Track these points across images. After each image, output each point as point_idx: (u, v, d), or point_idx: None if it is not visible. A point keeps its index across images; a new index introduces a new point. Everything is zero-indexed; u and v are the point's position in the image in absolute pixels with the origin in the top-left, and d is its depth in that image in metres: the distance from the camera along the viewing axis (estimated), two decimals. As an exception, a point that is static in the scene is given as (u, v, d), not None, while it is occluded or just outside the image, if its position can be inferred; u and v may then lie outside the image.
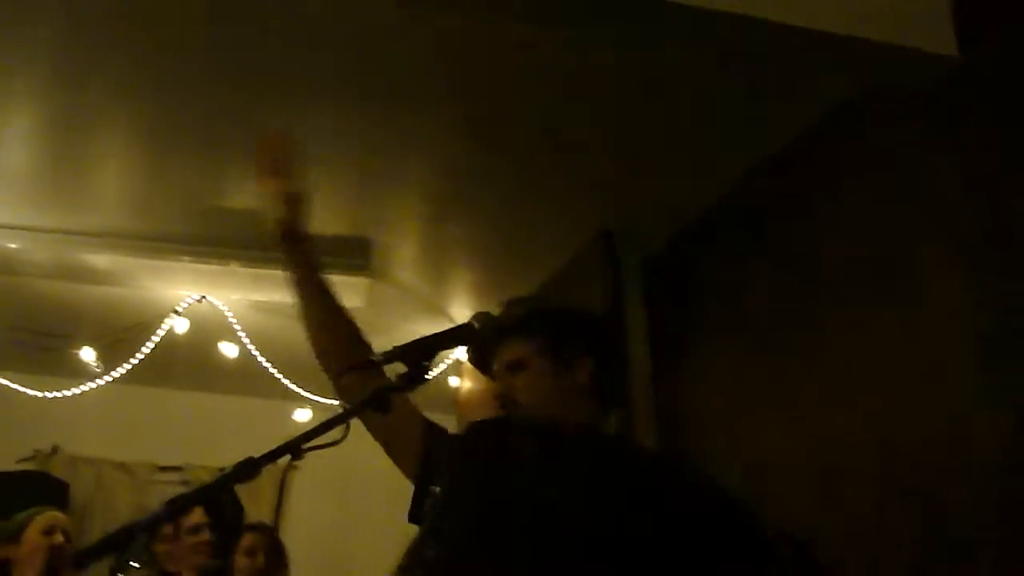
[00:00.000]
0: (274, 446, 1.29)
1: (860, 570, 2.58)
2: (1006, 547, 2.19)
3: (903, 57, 2.52)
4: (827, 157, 3.02)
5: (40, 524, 2.97)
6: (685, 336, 3.66)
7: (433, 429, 1.80)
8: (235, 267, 4.02)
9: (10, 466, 4.88)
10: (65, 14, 2.64)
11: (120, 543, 1.15)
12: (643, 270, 3.88)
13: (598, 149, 3.30)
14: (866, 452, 2.66)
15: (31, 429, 4.99)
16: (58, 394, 4.60)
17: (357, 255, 3.95)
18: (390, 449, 1.81)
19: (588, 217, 3.73)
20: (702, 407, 3.51)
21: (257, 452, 1.27)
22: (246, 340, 4.49)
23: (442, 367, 4.61)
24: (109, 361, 4.53)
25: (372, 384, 1.53)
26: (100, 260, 4.03)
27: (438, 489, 1.59)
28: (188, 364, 4.80)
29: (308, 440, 1.31)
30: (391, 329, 4.26)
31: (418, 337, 1.54)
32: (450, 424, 1.90)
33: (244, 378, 4.79)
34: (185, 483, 5.23)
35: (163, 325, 4.41)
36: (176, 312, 4.39)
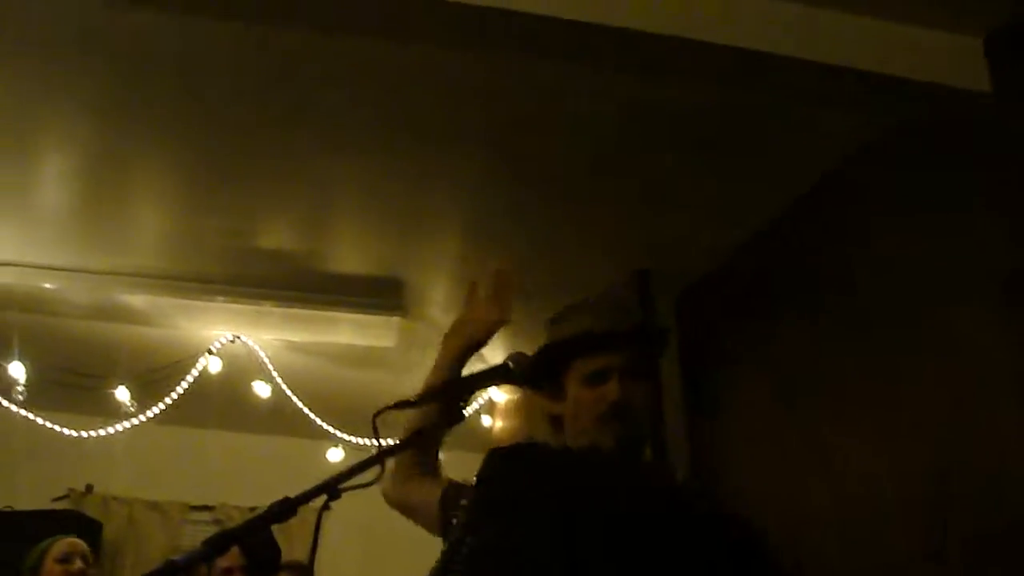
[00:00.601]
0: (307, 486, 1.29)
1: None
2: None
3: (936, 93, 2.51)
4: (858, 195, 2.99)
5: (55, 552, 3.05)
6: (718, 374, 3.63)
7: (447, 497, 1.71)
8: (269, 307, 4.02)
9: (45, 505, 4.90)
10: (104, 59, 2.70)
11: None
12: (677, 309, 3.87)
13: (631, 188, 3.30)
14: (902, 499, 2.61)
15: (66, 468, 5.00)
16: (93, 433, 4.63)
17: (390, 295, 3.95)
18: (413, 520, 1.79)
19: (621, 256, 3.72)
20: (732, 435, 3.49)
21: (290, 492, 1.26)
22: (279, 380, 4.48)
23: (475, 406, 4.60)
24: (143, 400, 4.56)
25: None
26: (135, 300, 4.08)
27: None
28: (221, 404, 4.80)
29: (343, 480, 1.30)
30: (424, 368, 4.22)
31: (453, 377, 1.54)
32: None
33: (277, 418, 4.79)
34: (217, 522, 5.22)
35: (197, 365, 4.43)
36: (210, 352, 4.42)
